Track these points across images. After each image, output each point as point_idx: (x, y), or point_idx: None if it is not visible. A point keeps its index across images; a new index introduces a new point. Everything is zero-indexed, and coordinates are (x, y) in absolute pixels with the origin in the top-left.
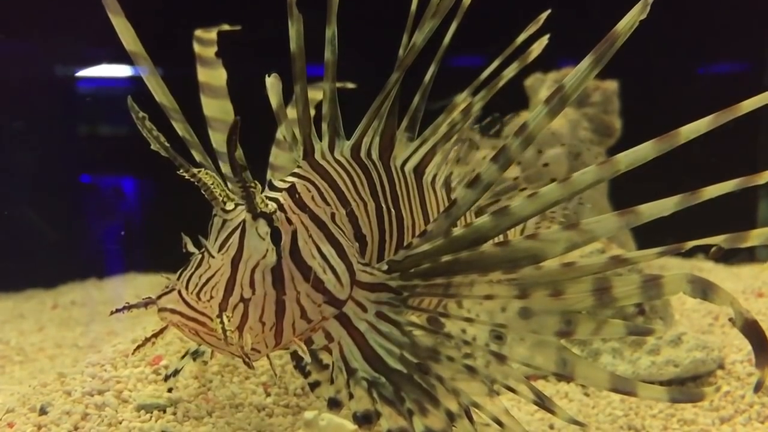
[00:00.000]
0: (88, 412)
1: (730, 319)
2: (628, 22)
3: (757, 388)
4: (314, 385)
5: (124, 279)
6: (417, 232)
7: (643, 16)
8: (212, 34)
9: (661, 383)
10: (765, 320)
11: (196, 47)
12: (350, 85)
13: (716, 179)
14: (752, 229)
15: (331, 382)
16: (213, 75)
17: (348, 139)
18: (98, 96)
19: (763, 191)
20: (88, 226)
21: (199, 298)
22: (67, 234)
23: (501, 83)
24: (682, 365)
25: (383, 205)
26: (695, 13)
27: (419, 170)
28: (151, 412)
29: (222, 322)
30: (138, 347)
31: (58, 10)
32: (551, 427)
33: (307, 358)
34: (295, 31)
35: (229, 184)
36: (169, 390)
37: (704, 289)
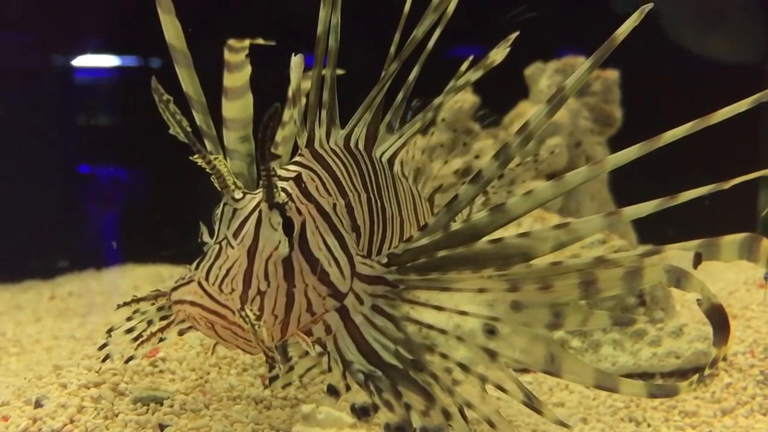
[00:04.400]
0: (84, 405)
1: (698, 301)
2: (627, 28)
3: (712, 363)
4: (272, 379)
5: (122, 270)
6: (396, 224)
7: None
8: (244, 44)
9: (663, 375)
10: (767, 311)
11: (227, 54)
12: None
13: (712, 176)
14: (724, 235)
15: (329, 370)
16: (238, 77)
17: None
18: (98, 85)
19: (764, 182)
20: (86, 216)
21: (221, 290)
22: (66, 224)
23: (464, 87)
24: (684, 356)
25: (372, 196)
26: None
27: (391, 161)
28: (148, 405)
29: (247, 315)
30: (142, 341)
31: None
32: None
33: (312, 351)
34: (324, 14)
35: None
36: (99, 369)
37: (678, 278)
